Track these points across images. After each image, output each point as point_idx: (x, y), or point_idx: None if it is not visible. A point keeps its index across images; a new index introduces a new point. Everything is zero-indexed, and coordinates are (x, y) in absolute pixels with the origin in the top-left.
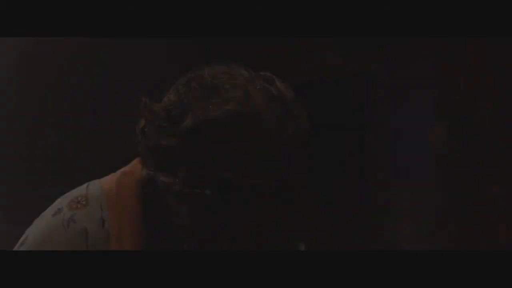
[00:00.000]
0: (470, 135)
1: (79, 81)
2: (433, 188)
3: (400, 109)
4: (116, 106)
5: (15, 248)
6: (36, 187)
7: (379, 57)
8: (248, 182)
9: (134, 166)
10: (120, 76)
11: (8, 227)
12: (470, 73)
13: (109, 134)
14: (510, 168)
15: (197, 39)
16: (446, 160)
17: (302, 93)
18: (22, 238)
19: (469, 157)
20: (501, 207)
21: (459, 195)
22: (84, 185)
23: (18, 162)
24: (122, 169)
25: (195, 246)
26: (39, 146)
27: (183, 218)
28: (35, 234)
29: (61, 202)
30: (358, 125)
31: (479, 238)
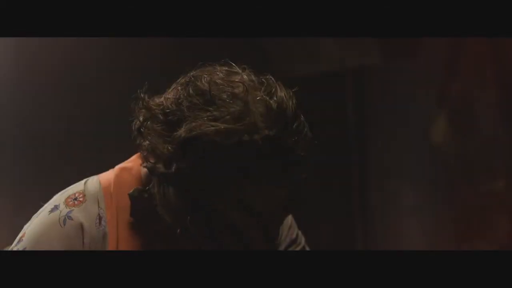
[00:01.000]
0: (471, 133)
1: (78, 78)
2: (433, 186)
3: (400, 107)
4: (115, 102)
5: (13, 245)
6: (35, 184)
7: (379, 53)
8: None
9: (133, 162)
10: (120, 74)
11: (8, 226)
12: (470, 70)
13: (108, 130)
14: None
15: (197, 39)
16: (446, 157)
17: (301, 90)
18: (19, 235)
19: (470, 154)
20: (505, 204)
21: (460, 193)
22: (82, 181)
23: (17, 161)
24: (121, 165)
25: (191, 233)
26: (38, 144)
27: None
28: (32, 231)
29: (59, 199)
30: (357, 122)
31: (480, 237)
